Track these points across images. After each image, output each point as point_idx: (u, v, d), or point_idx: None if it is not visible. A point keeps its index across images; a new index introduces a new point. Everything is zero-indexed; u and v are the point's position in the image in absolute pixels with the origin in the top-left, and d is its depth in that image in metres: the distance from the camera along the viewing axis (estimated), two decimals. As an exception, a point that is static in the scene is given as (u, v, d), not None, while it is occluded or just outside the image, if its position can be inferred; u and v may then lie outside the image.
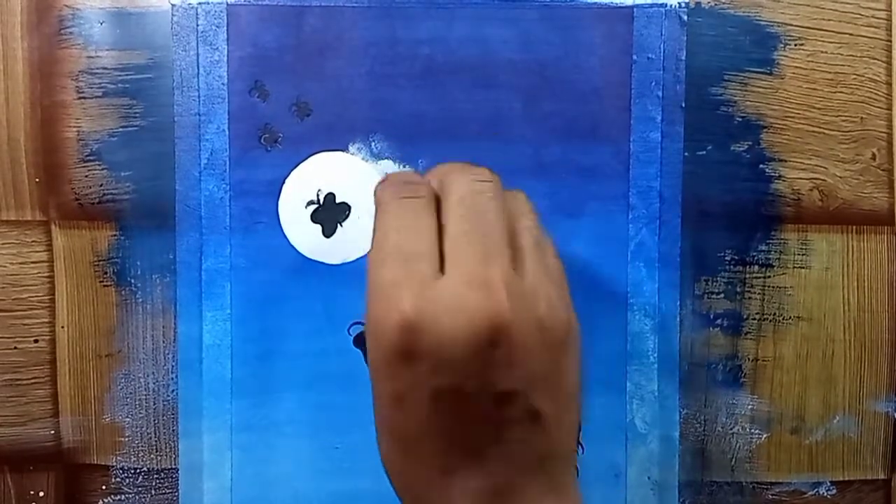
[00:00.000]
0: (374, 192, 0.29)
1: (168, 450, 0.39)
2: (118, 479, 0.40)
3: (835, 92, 0.38)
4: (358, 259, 0.38)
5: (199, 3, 0.38)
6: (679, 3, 0.38)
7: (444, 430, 0.25)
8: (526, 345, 0.25)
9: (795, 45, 0.38)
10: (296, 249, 0.38)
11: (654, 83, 0.38)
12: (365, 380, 0.38)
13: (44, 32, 0.38)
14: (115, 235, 0.39)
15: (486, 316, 0.24)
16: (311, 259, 0.38)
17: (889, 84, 0.38)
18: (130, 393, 0.39)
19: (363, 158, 0.38)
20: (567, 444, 0.27)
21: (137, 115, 0.38)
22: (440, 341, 0.24)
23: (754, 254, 0.39)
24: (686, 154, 0.38)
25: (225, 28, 0.38)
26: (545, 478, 0.26)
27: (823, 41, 0.38)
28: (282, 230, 0.38)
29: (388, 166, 0.38)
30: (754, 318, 0.39)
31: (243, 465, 0.39)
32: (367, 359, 0.27)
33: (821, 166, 0.39)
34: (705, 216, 0.39)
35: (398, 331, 0.25)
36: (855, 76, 0.38)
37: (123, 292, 0.39)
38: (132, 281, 0.39)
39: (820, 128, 0.38)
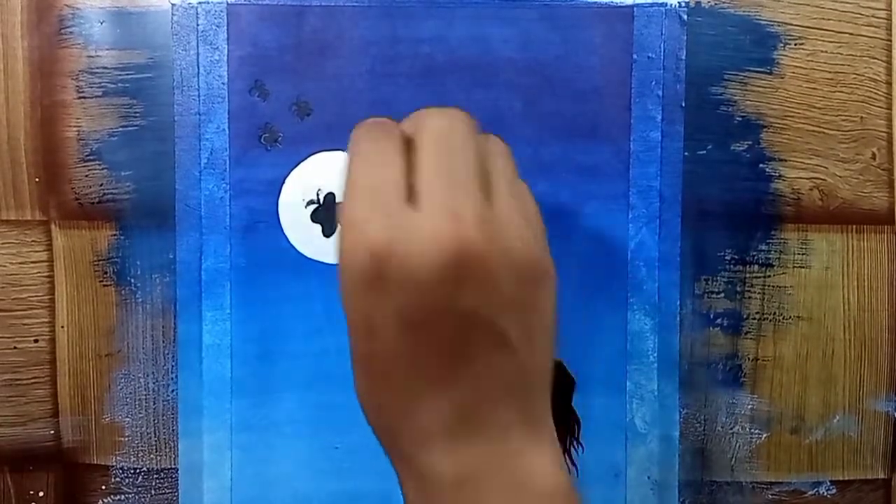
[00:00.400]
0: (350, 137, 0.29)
1: (168, 450, 0.39)
2: (118, 479, 0.40)
3: (835, 91, 0.38)
4: (358, 259, 0.38)
5: (200, 3, 0.38)
6: (679, 3, 0.38)
7: (412, 356, 0.26)
8: (494, 271, 0.25)
9: (795, 44, 0.38)
10: (296, 249, 0.38)
11: (654, 82, 0.38)
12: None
13: (44, 32, 0.38)
14: (115, 235, 0.39)
15: (455, 240, 0.24)
16: (311, 259, 0.38)
17: (889, 83, 0.38)
18: (130, 393, 0.39)
19: (363, 158, 0.38)
20: (539, 379, 0.27)
21: (137, 114, 0.38)
22: (409, 265, 0.24)
23: (754, 253, 0.39)
24: (686, 153, 0.38)
25: (225, 27, 0.38)
26: (515, 407, 0.26)
27: (823, 41, 0.38)
28: (282, 230, 0.38)
29: (388, 166, 0.38)
30: (754, 318, 0.39)
31: (243, 465, 0.39)
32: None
33: (821, 166, 0.39)
34: (705, 216, 0.39)
35: (368, 258, 0.25)
36: (855, 76, 0.38)
37: (123, 292, 0.39)
38: (132, 281, 0.39)
39: (820, 127, 0.38)
